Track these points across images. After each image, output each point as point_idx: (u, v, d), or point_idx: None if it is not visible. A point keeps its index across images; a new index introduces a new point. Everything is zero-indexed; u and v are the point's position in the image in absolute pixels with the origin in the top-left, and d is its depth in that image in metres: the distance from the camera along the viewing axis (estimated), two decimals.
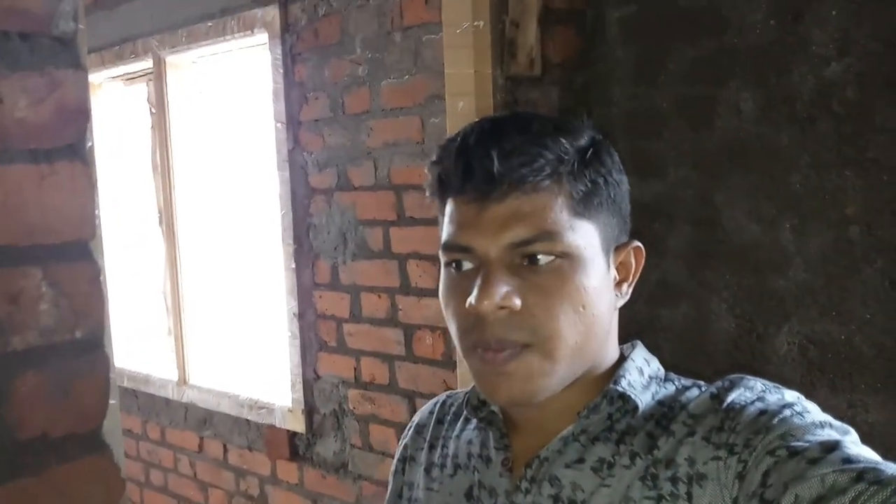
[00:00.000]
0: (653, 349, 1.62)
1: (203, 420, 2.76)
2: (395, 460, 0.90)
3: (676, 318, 1.61)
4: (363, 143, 2.10)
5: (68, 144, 0.75)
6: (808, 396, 1.49)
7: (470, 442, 0.81)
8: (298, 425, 2.38)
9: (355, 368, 2.22)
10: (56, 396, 0.74)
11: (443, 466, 0.83)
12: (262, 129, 2.46)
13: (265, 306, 2.70)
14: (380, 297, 2.13)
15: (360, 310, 2.19)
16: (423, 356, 2.04)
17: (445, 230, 0.72)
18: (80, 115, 0.76)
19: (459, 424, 0.85)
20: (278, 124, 2.30)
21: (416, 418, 0.91)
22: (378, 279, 2.12)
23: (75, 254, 0.77)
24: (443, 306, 0.74)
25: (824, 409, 1.43)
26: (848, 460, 0.56)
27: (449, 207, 0.72)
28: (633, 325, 1.65)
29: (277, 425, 2.44)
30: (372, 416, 2.20)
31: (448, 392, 0.92)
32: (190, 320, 2.78)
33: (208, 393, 2.68)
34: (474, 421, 0.82)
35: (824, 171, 1.42)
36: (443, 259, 0.73)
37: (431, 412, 0.89)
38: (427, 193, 0.76)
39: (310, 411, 2.36)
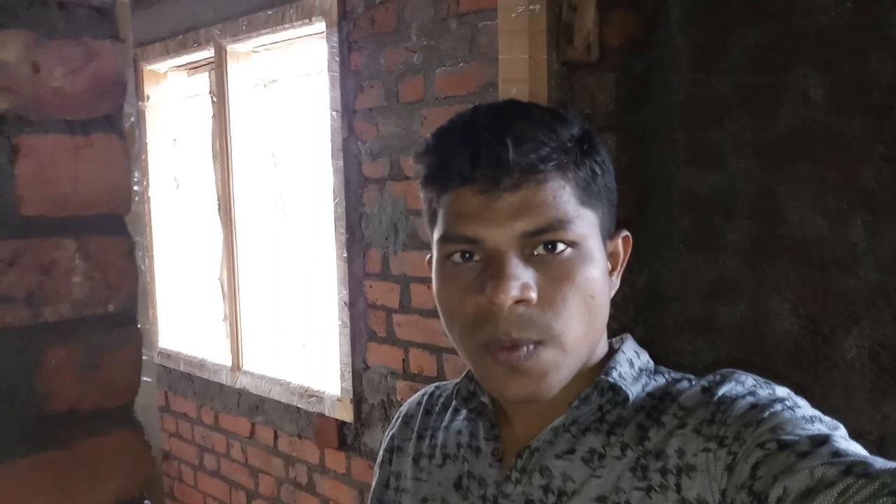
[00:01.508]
0: (709, 349, 1.56)
1: (255, 406, 2.79)
2: (381, 450, 0.90)
3: (735, 316, 1.53)
4: (416, 133, 2.08)
5: (105, 116, 0.75)
6: (879, 405, 1.41)
7: (459, 432, 0.81)
8: (347, 415, 2.38)
9: (404, 360, 2.20)
10: (86, 370, 0.73)
11: (431, 457, 0.82)
12: (319, 118, 2.47)
13: (317, 295, 2.72)
14: (429, 288, 2.10)
15: (409, 300, 2.17)
16: None
17: (445, 221, 0.69)
18: (117, 87, 0.75)
19: (448, 415, 0.84)
20: (334, 113, 2.30)
21: (403, 409, 0.91)
22: (428, 270, 2.09)
23: (110, 227, 0.76)
24: (440, 302, 0.72)
25: (894, 419, 1.32)
26: (837, 454, 0.56)
27: (449, 197, 0.69)
28: (687, 323, 1.59)
29: (327, 414, 2.45)
30: None
31: (436, 383, 0.91)
32: (245, 307, 2.82)
33: (260, 379, 2.71)
34: (464, 411, 0.82)
35: None
36: (440, 252, 0.70)
37: (419, 403, 0.89)
38: (419, 185, 0.73)
39: (358, 401, 2.36)
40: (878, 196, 1.36)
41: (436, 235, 0.71)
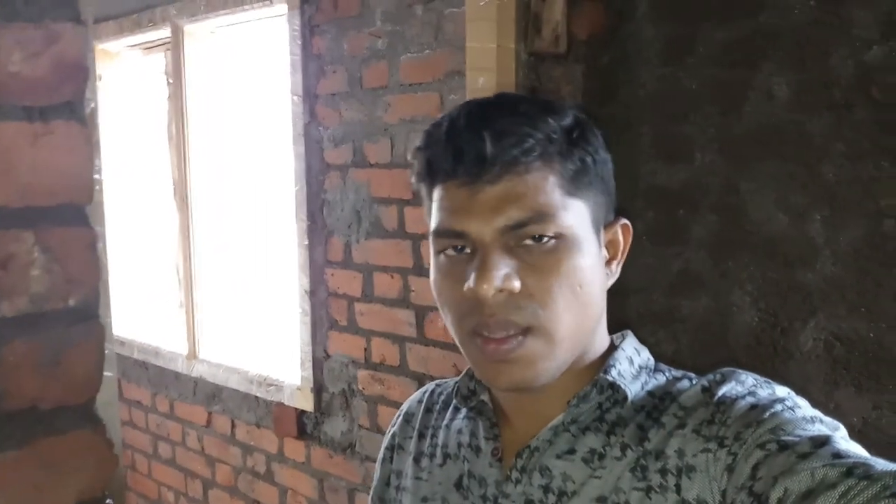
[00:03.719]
0: (671, 341, 1.58)
1: (212, 395, 2.75)
2: (382, 448, 0.90)
3: (697, 309, 1.56)
4: (380, 119, 2.06)
5: (66, 102, 0.71)
6: (832, 395, 1.44)
7: (460, 431, 0.81)
8: (307, 404, 2.36)
9: (365, 349, 2.19)
10: (46, 366, 0.71)
11: (432, 456, 0.82)
12: (279, 102, 2.42)
13: (277, 282, 2.68)
14: (392, 277, 2.09)
15: (372, 289, 2.15)
16: (434, 339, 2.01)
17: (436, 216, 0.71)
18: (78, 72, 0.72)
19: (449, 413, 0.84)
20: (295, 97, 2.26)
21: (404, 407, 0.90)
22: (391, 259, 2.09)
23: (70, 218, 0.74)
24: (436, 294, 0.73)
25: (848, 409, 1.36)
26: (838, 455, 0.56)
27: (438, 193, 0.71)
28: (650, 316, 1.60)
29: (286, 403, 2.42)
30: (381, 398, 2.17)
31: (437, 381, 0.91)
32: (201, 294, 2.76)
33: (217, 368, 2.67)
34: (464, 410, 0.82)
35: (860, 162, 1.35)
36: (434, 246, 0.72)
37: (420, 401, 0.89)
38: (413, 181, 0.75)
39: (318, 390, 2.34)
40: (837, 192, 1.38)
41: (430, 229, 0.72)
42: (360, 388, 2.22)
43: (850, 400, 1.40)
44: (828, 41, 1.36)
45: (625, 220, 0.76)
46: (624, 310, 1.62)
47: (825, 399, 1.42)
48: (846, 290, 1.39)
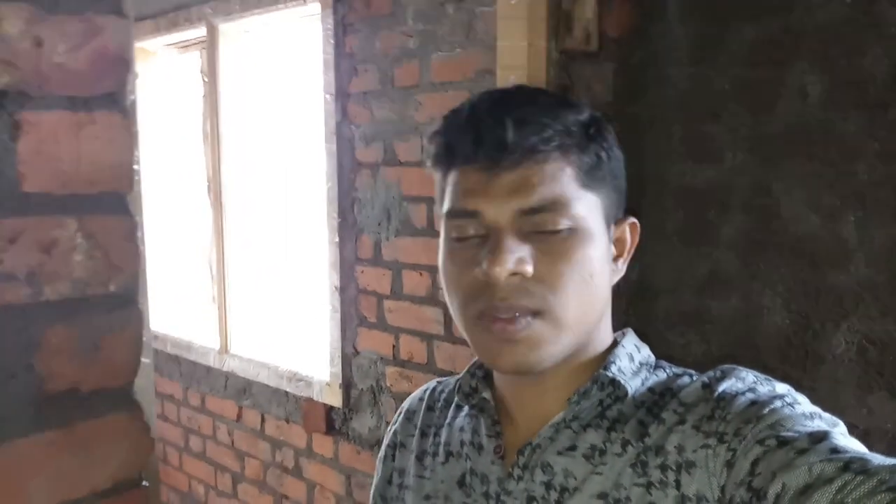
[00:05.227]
0: (700, 342, 1.57)
1: (242, 389, 2.78)
2: (383, 446, 0.90)
3: (726, 310, 1.54)
4: (411, 118, 2.07)
5: (108, 93, 0.74)
6: (865, 400, 1.42)
7: (462, 429, 0.81)
8: (335, 400, 2.38)
9: (394, 346, 2.21)
10: (87, 350, 0.73)
11: (435, 454, 0.83)
12: (312, 101, 2.45)
13: (307, 279, 2.71)
14: (421, 274, 2.10)
15: (401, 287, 2.17)
16: (461, 337, 2.01)
17: (449, 198, 0.71)
18: (120, 64, 0.74)
19: (451, 411, 0.84)
20: (327, 96, 2.28)
21: (405, 405, 0.91)
22: (420, 257, 2.10)
23: (112, 206, 0.76)
24: (443, 276, 0.73)
25: (881, 414, 1.35)
26: (835, 450, 0.56)
27: (454, 176, 0.71)
28: (679, 316, 1.60)
29: (315, 398, 2.45)
30: (408, 395, 2.18)
31: (438, 379, 0.91)
32: (233, 290, 2.80)
33: (248, 363, 2.70)
34: (466, 408, 0.82)
35: (893, 161, 1.34)
36: (445, 227, 0.73)
37: (421, 399, 0.89)
38: (428, 164, 0.76)
39: (347, 386, 2.36)
40: (870, 193, 1.37)
41: (442, 211, 0.73)
42: (389, 384, 2.23)
43: (883, 405, 1.38)
44: (861, 39, 1.34)
45: (633, 219, 0.76)
46: (653, 310, 1.62)
47: (858, 404, 1.40)
48: (880, 292, 1.37)
